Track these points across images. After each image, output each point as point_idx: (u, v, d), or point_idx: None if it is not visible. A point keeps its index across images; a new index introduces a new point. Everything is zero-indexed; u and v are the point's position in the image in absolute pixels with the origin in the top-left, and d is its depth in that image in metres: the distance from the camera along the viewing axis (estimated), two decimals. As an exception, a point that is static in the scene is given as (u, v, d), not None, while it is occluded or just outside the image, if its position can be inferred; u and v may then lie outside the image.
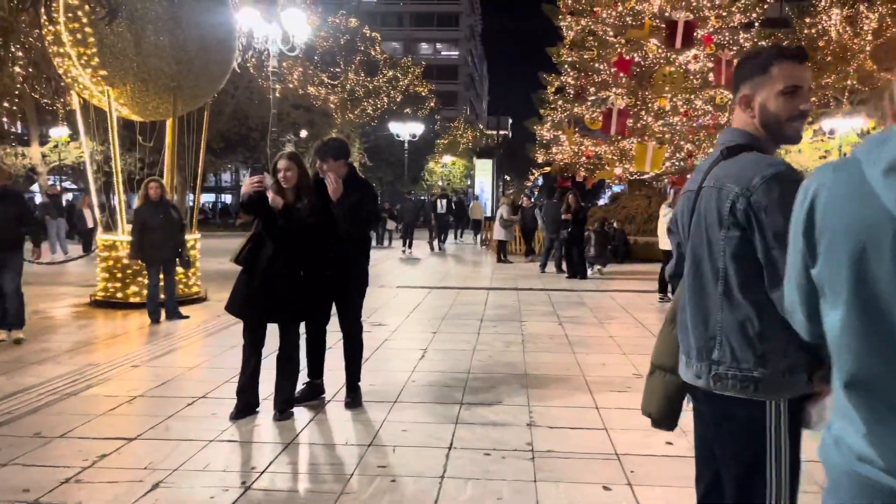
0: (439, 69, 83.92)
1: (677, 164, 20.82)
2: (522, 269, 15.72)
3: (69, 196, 36.85)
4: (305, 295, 4.60)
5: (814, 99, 27.14)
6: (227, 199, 71.85)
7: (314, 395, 4.98)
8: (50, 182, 30.75)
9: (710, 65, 20.08)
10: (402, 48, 60.40)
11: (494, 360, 6.36)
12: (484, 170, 42.22)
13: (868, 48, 25.57)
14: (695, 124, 20.22)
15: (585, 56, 20.48)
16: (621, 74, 19.59)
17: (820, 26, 27.16)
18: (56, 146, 27.22)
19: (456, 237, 27.07)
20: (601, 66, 20.32)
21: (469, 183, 54.39)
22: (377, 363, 6.16)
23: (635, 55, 19.66)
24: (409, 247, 20.41)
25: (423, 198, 44.01)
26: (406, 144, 29.51)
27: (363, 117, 34.51)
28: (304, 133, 33.64)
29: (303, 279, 4.59)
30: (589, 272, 14.48)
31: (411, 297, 10.82)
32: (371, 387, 5.24)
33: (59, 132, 26.35)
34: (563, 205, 14.44)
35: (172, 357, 6.44)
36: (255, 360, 4.60)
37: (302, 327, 4.80)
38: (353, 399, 4.86)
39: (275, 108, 14.54)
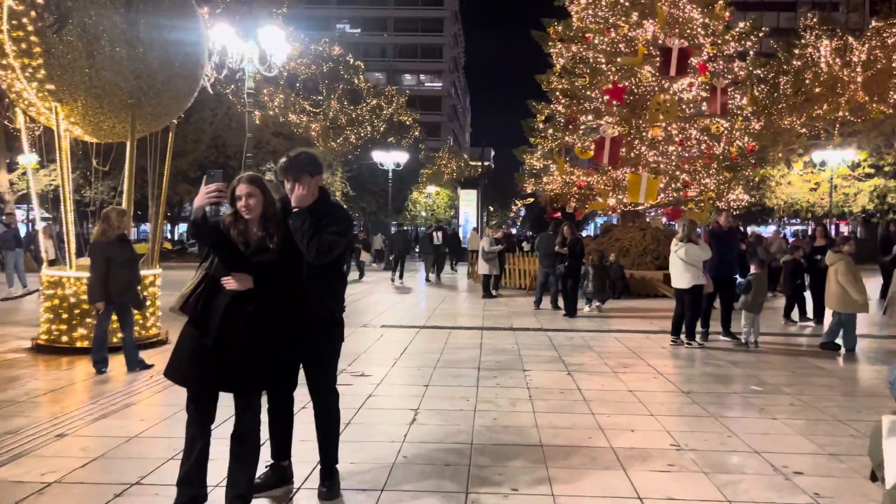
0: (423, 100, 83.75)
1: (672, 195, 20.08)
2: (514, 304, 14.73)
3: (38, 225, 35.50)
4: (272, 357, 3.55)
5: (804, 130, 26.82)
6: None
7: (279, 482, 3.91)
8: (17, 210, 29.44)
9: (704, 94, 19.51)
10: (386, 79, 60.02)
11: (501, 423, 5.33)
12: (468, 200, 41.56)
13: (859, 79, 25.27)
14: (688, 154, 19.52)
15: (577, 83, 19.81)
16: (614, 102, 18.90)
17: (809, 58, 26.91)
18: (24, 173, 25.99)
19: (452, 267, 26.03)
20: (593, 94, 19.64)
21: (453, 213, 53.66)
22: (359, 430, 5.10)
23: (628, 83, 19.00)
24: (401, 277, 20.72)
25: (405, 228, 43.19)
26: (390, 174, 28.62)
27: (346, 146, 33.67)
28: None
29: (271, 337, 3.54)
30: (587, 309, 13.53)
31: (398, 338, 9.77)
32: (352, 466, 4.19)
33: (27, 158, 25.20)
34: (558, 237, 13.57)
35: (111, 421, 5.32)
36: (202, 441, 3.52)
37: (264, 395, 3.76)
38: (329, 488, 3.80)
39: (250, 132, 13.52)
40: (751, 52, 20.56)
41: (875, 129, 25.40)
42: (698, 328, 9.40)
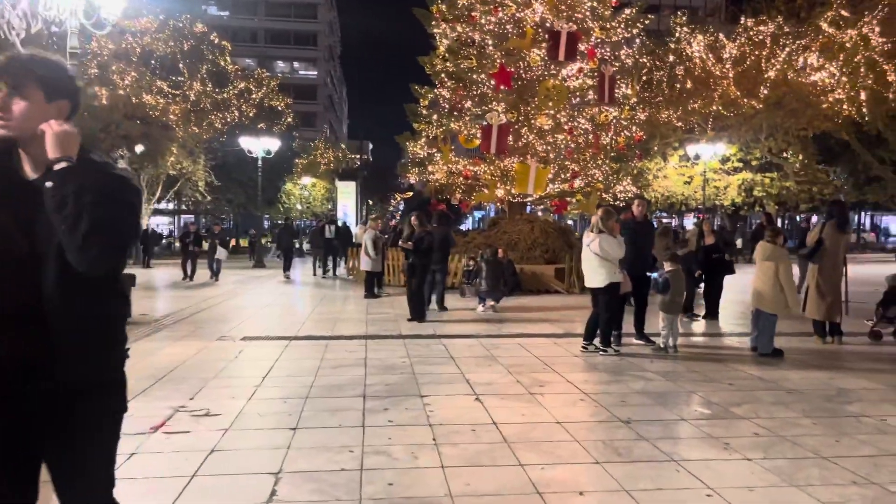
0: (297, 88, 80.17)
1: (560, 186, 19.30)
2: (400, 306, 13.17)
3: None
4: None
5: (680, 124, 27.16)
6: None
7: None
8: None
9: (590, 81, 18.85)
10: (257, 65, 56.39)
11: (399, 491, 3.76)
12: (347, 192, 39.58)
13: (731, 75, 25.84)
14: (575, 144, 18.78)
15: (462, 66, 18.52)
16: (502, 87, 17.78)
17: (682, 53, 27.28)
18: None
19: (344, 263, 23.82)
20: (479, 78, 18.43)
21: (331, 206, 51.30)
22: (187, 523, 3.37)
23: (516, 67, 17.95)
24: (287, 270, 20.62)
25: (291, 222, 40.55)
26: (259, 162, 26.16)
27: (210, 131, 30.66)
28: (139, 148, 29.25)
29: None
30: (480, 309, 12.24)
31: (262, 355, 7.95)
32: None
33: None
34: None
35: None
36: None
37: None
38: None
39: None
40: (637, 41, 20.17)
41: (745, 123, 26.12)
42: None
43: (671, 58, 27.16)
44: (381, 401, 5.76)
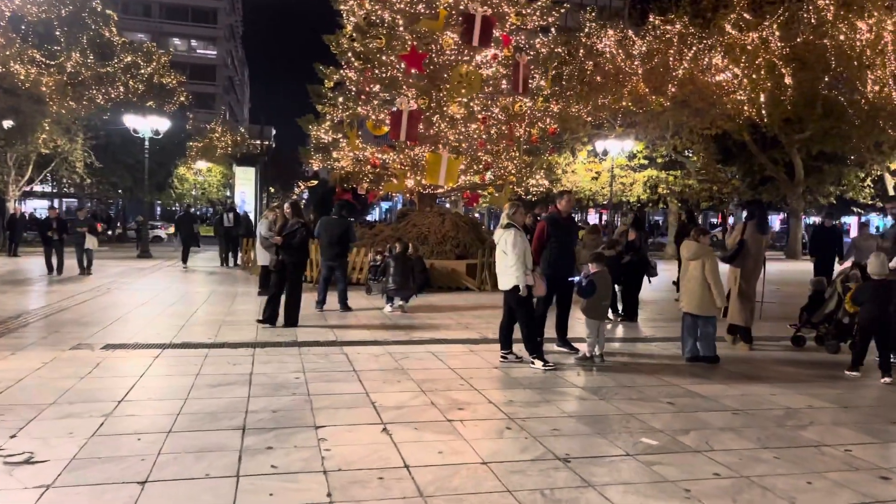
0: (195, 68, 76.04)
1: (472, 178, 18.50)
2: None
3: None
4: None
5: (589, 119, 27.03)
6: None
7: None
8: None
9: (504, 70, 18.13)
10: (151, 42, 52.62)
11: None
12: (246, 178, 37.30)
13: (640, 71, 25.88)
14: (488, 135, 18.01)
15: (371, 45, 17.30)
16: (412, 70, 16.72)
17: (592, 48, 27.13)
18: None
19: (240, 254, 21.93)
20: (389, 60, 17.28)
21: (228, 193, 48.57)
22: None
23: (428, 49, 16.93)
24: (185, 261, 19.76)
25: (192, 210, 38.01)
26: (146, 143, 23.89)
27: (90, 107, 27.81)
28: (7, 123, 26.13)
29: None
30: (388, 309, 11.20)
31: (123, 369, 6.58)
32: None
33: None
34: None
35: None
36: None
37: None
38: None
39: None
40: (552, 30, 19.60)
41: (653, 120, 26.30)
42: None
43: (581, 52, 26.94)
44: (265, 435, 4.63)
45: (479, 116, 17.34)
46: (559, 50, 20.57)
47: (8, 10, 25.09)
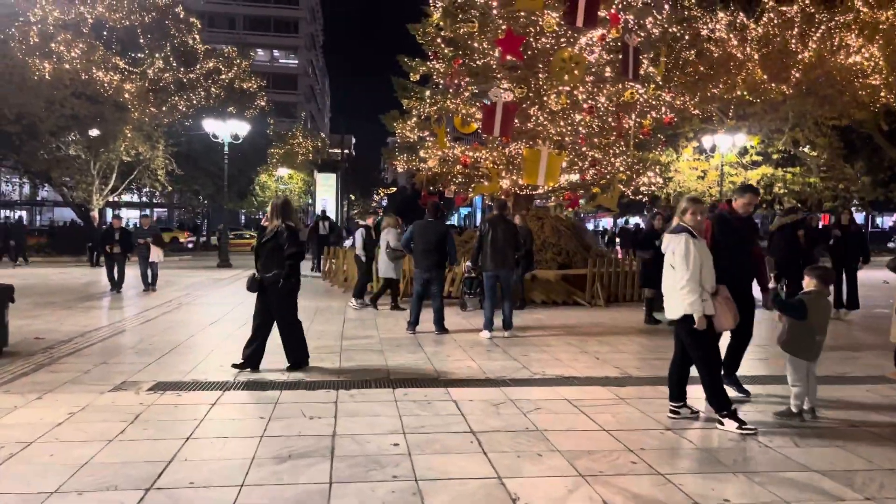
0: (276, 77, 76.82)
1: (571, 176, 16.40)
2: (385, 323, 10.26)
3: None
4: None
5: (697, 112, 24.36)
6: None
7: None
8: None
9: (608, 56, 15.98)
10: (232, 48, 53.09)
11: None
12: (327, 185, 36.52)
13: (756, 56, 23.09)
14: (595, 127, 15.90)
15: (462, 31, 15.54)
16: (509, 57, 14.83)
17: (700, 34, 24.49)
18: None
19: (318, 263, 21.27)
20: (482, 46, 15.47)
21: (310, 200, 48.09)
22: None
23: (526, 32, 15.00)
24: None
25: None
26: (226, 148, 23.01)
27: (172, 114, 27.37)
28: (93, 132, 25.92)
29: None
30: (486, 335, 9.28)
31: (170, 425, 4.95)
32: None
33: None
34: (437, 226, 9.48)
35: None
36: None
37: None
38: None
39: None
40: (665, 6, 17.32)
41: (772, 111, 23.45)
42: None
43: (686, 37, 24.37)
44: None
45: (585, 106, 15.25)
46: (674, 29, 18.27)
47: (91, 16, 24.85)
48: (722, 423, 4.98)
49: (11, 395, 5.71)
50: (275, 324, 6.94)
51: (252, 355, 6.82)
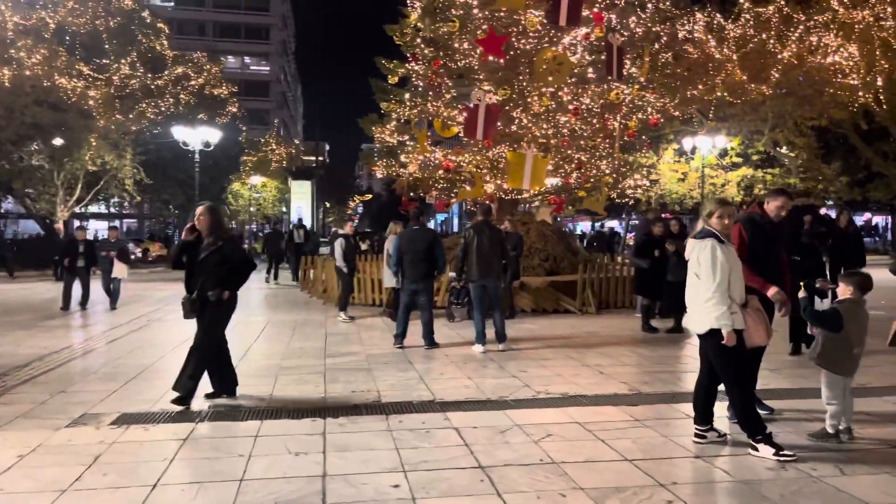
0: (248, 84, 75.56)
1: (558, 179, 15.95)
2: (370, 336, 9.67)
3: None
4: None
5: (677, 113, 24.12)
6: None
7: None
8: None
9: (589, 56, 15.61)
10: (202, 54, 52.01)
11: None
12: (302, 192, 35.80)
13: (735, 57, 22.93)
14: (581, 129, 15.49)
15: (442, 31, 15.04)
16: (491, 58, 14.38)
17: (678, 35, 24.28)
18: None
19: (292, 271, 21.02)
20: (463, 47, 14.98)
21: (284, 209, 47.17)
22: None
23: (508, 31, 14.55)
24: (276, 278, 20.31)
25: (279, 228, 36.74)
26: (197, 156, 22.21)
27: (139, 121, 26.44)
28: (57, 141, 24.91)
29: None
30: (479, 349, 8.73)
31: (132, 469, 4.32)
32: None
33: None
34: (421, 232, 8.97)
35: None
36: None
37: None
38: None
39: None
40: (649, 5, 16.98)
41: (752, 112, 23.31)
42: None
43: (663, 39, 24.15)
44: None
45: (570, 107, 14.82)
46: (657, 28, 17.96)
47: (53, 21, 23.93)
48: (756, 449, 4.48)
49: (-47, 435, 5.02)
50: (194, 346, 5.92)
51: (190, 393, 5.75)
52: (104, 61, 27.09)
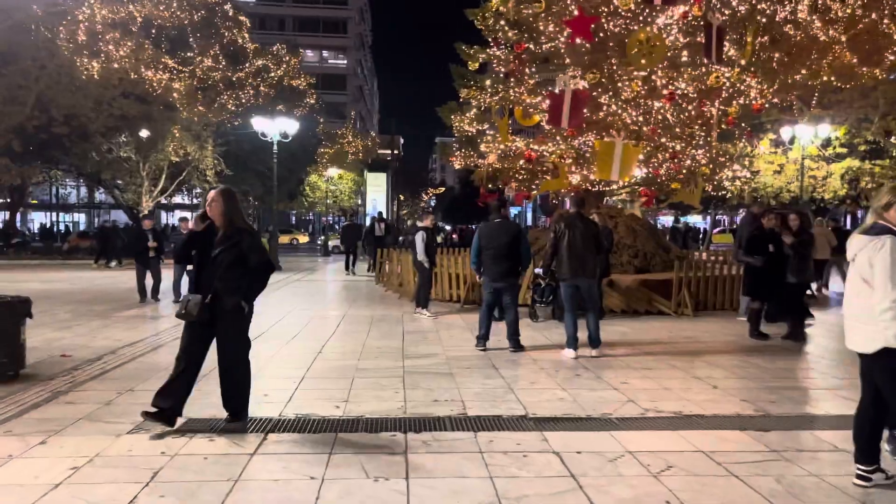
0: (325, 78, 76.58)
1: (649, 171, 14.86)
2: (449, 335, 9.04)
3: None
4: None
5: (776, 100, 22.38)
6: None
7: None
8: None
9: (684, 38, 14.43)
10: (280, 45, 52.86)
11: None
12: (377, 185, 35.64)
13: (843, 38, 21.02)
14: (676, 115, 14.37)
15: (527, 11, 14.20)
16: (579, 40, 13.45)
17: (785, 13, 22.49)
18: None
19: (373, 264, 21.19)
20: (549, 30, 14.11)
21: (360, 201, 47.35)
22: None
23: (598, 12, 13.59)
24: (353, 268, 20.86)
25: (356, 221, 37.10)
26: (275, 147, 22.19)
27: (221, 113, 26.76)
28: (143, 133, 25.50)
29: None
30: (570, 354, 7.94)
31: (195, 487, 3.81)
32: None
33: None
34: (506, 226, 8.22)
35: None
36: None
37: None
38: None
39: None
40: (753, -19, 15.62)
41: (862, 98, 21.41)
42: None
43: (763, 20, 22.44)
44: None
45: (665, 92, 13.74)
46: (763, 6, 16.57)
47: (140, 15, 24.36)
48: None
49: (10, 439, 4.66)
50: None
51: (175, 406, 4.91)
52: (188, 54, 27.53)
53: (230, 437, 4.75)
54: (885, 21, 20.45)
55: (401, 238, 20.92)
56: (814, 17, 21.74)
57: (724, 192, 16.17)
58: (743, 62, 15.05)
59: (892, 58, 19.91)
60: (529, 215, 61.32)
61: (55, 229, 48.96)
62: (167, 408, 4.82)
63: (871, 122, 23.34)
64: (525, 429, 4.99)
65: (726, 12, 14.46)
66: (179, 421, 4.98)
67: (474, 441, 4.69)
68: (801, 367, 7.46)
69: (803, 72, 21.47)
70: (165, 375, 6.45)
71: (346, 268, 20.91)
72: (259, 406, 5.58)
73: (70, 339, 8.80)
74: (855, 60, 20.58)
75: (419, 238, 11.33)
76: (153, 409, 4.81)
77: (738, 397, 5.98)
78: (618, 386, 6.37)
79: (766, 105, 16.78)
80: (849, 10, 21.20)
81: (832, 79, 20.85)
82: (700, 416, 5.39)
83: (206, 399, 5.69)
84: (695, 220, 54.94)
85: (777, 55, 21.93)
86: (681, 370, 7.10)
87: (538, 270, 10.79)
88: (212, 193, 5.00)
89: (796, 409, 5.60)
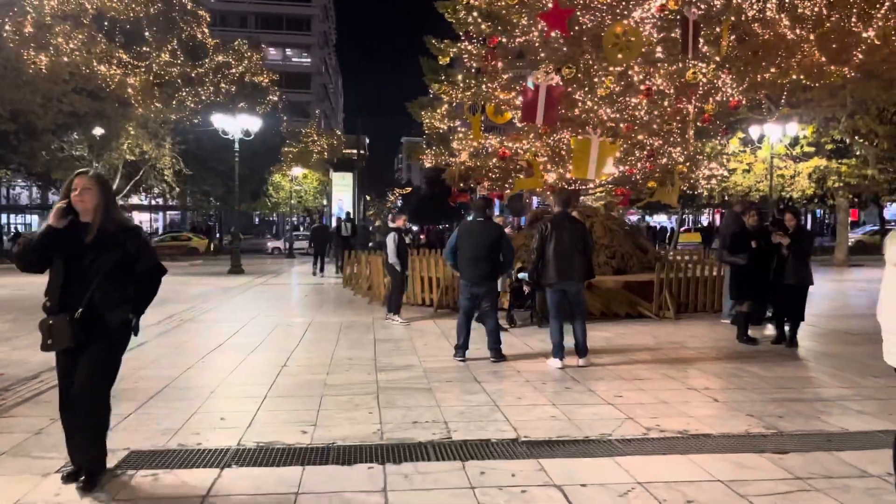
0: (289, 77, 75.28)
1: (624, 171, 14.46)
2: (426, 344, 8.45)
3: None
4: None
5: (744, 101, 22.30)
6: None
7: None
8: None
9: (657, 34, 14.09)
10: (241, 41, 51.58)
11: None
12: (343, 184, 34.88)
13: (811, 37, 21.00)
14: (652, 112, 14.00)
15: (500, 4, 13.67)
16: (554, 33, 12.98)
17: (744, 15, 22.40)
18: None
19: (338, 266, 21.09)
20: (522, 22, 13.61)
21: (325, 201, 46.42)
22: None
23: (575, 5, 13.14)
24: (322, 270, 20.66)
25: (324, 223, 36.14)
26: (237, 146, 21.32)
27: (180, 110, 25.71)
28: (97, 131, 24.32)
29: None
30: (556, 364, 7.41)
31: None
32: None
33: None
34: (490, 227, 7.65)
35: None
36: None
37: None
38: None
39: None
40: (729, -25, 15.37)
41: (830, 97, 21.42)
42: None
43: (733, 18, 22.34)
44: None
45: (642, 88, 13.35)
46: (737, 1, 16.33)
47: (92, 7, 23.24)
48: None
49: (-88, 483, 3.93)
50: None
51: (91, 464, 3.88)
52: (144, 49, 26.42)
53: (177, 473, 4.08)
54: (853, 20, 20.46)
55: (370, 244, 20.14)
56: (781, 16, 21.73)
57: (699, 192, 15.87)
58: (718, 58, 14.75)
59: (860, 57, 19.88)
60: (496, 211, 61.17)
61: (4, 232, 46.96)
62: (80, 469, 3.85)
63: (838, 121, 23.42)
64: (518, 456, 4.43)
65: (702, 6, 14.10)
66: (120, 455, 4.28)
67: (463, 473, 4.11)
68: (799, 375, 7.04)
69: (772, 70, 21.42)
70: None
71: (314, 271, 20.65)
72: (214, 432, 4.92)
73: (6, 353, 7.99)
74: (823, 59, 20.56)
75: (391, 239, 10.72)
76: (70, 470, 3.90)
77: (742, 412, 5.51)
78: (612, 400, 5.85)
79: (743, 102, 16.50)
80: (816, 9, 21.20)
81: (801, 77, 20.80)
82: (707, 435, 4.89)
83: (155, 425, 4.99)
84: (660, 219, 55.25)
85: (748, 53, 21.86)
86: (675, 380, 6.62)
87: (523, 275, 10.28)
88: (81, 179, 3.71)
89: (808, 424, 5.14)
